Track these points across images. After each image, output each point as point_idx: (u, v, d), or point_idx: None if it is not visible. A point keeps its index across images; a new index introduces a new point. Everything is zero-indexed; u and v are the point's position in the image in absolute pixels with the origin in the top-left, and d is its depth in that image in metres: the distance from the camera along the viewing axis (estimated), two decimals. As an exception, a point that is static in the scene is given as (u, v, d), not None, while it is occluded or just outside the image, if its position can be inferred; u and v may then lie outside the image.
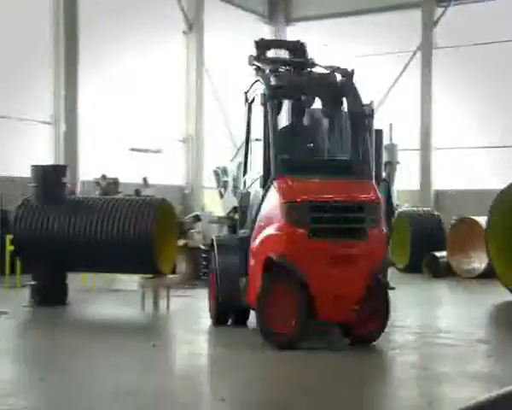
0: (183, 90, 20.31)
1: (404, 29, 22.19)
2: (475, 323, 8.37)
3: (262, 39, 8.06)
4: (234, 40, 20.90)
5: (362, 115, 7.02)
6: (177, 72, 20.07)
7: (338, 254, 6.34)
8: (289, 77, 7.41)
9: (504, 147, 19.98)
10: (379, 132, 12.70)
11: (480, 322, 8.62)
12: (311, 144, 7.66)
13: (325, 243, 6.39)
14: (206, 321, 7.89)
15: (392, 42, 22.18)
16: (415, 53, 22.13)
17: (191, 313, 9.23)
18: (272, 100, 6.99)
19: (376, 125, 12.60)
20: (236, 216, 7.97)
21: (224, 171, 9.18)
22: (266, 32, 23.61)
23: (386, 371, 6.18)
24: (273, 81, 7.06)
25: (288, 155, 7.06)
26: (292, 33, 23.70)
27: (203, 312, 8.18)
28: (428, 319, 9.07)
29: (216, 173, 9.41)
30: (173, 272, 10.41)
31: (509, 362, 5.68)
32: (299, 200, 6.59)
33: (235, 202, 8.33)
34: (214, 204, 18.21)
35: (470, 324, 8.27)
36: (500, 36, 20.44)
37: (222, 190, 9.22)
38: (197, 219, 13.87)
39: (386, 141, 15.48)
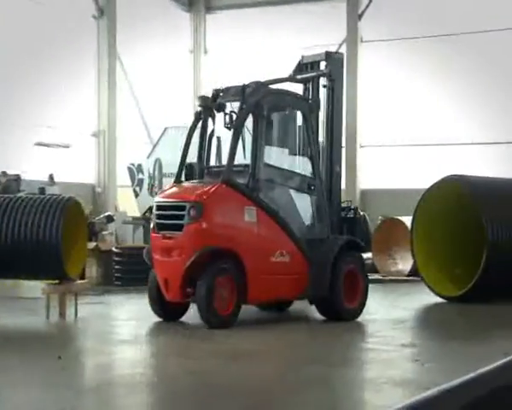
0: (93, 80, 19.62)
1: (330, 21, 22.29)
2: (400, 326, 8.35)
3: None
4: (151, 28, 20.46)
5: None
6: (87, 59, 19.34)
7: (163, 245, 7.86)
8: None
9: (433, 145, 20.26)
10: None
11: (405, 325, 8.60)
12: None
13: (158, 235, 8.00)
14: (118, 330, 7.55)
15: (317, 34, 22.20)
16: (340, 46, 22.19)
17: (101, 321, 8.85)
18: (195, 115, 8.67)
19: None
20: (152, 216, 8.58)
21: (140, 168, 9.11)
22: (185, 20, 23.30)
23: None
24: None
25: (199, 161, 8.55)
26: (212, 22, 23.48)
27: (114, 320, 7.82)
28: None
29: (130, 171, 9.30)
30: (82, 277, 9.97)
31: (437, 366, 5.74)
32: (156, 200, 8.43)
33: (151, 202, 8.43)
34: (128, 204, 17.77)
35: (394, 327, 8.24)
36: (426, 30, 20.77)
37: (137, 188, 9.15)
38: (109, 219, 13.44)
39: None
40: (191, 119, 8.78)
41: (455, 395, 3.00)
